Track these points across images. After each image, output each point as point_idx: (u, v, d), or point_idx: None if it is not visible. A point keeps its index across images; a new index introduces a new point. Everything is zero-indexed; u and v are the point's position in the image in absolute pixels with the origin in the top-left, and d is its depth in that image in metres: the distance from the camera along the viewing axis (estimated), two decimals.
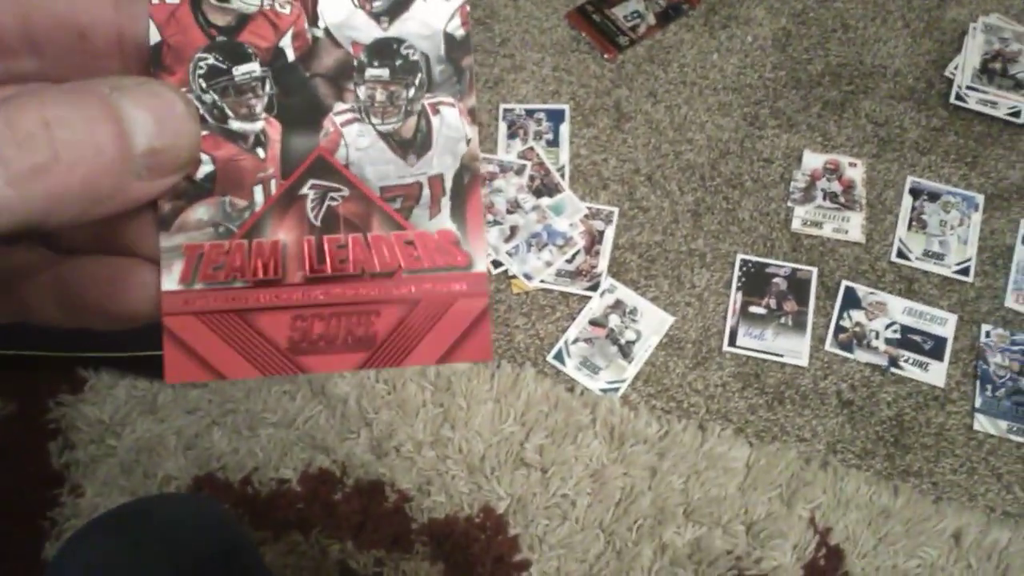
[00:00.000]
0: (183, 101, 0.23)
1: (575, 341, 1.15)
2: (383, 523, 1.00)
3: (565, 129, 1.34)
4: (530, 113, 1.35)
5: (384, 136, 0.26)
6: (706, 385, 1.13)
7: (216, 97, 0.25)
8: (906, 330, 1.15)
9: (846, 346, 1.15)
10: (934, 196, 1.25)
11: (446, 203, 0.26)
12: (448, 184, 0.26)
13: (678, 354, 1.15)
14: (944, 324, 1.15)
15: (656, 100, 1.36)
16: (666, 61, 1.38)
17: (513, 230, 1.23)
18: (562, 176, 1.29)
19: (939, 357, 1.13)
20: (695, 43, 1.39)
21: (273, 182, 0.25)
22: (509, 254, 1.22)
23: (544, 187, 1.28)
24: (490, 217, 1.25)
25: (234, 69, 0.25)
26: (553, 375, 1.13)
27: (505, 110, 1.35)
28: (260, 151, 0.26)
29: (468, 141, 0.26)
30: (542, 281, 1.20)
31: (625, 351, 1.15)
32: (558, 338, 1.16)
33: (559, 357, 1.14)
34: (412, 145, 0.26)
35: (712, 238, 1.24)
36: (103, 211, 0.22)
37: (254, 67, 0.25)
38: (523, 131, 1.34)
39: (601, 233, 1.24)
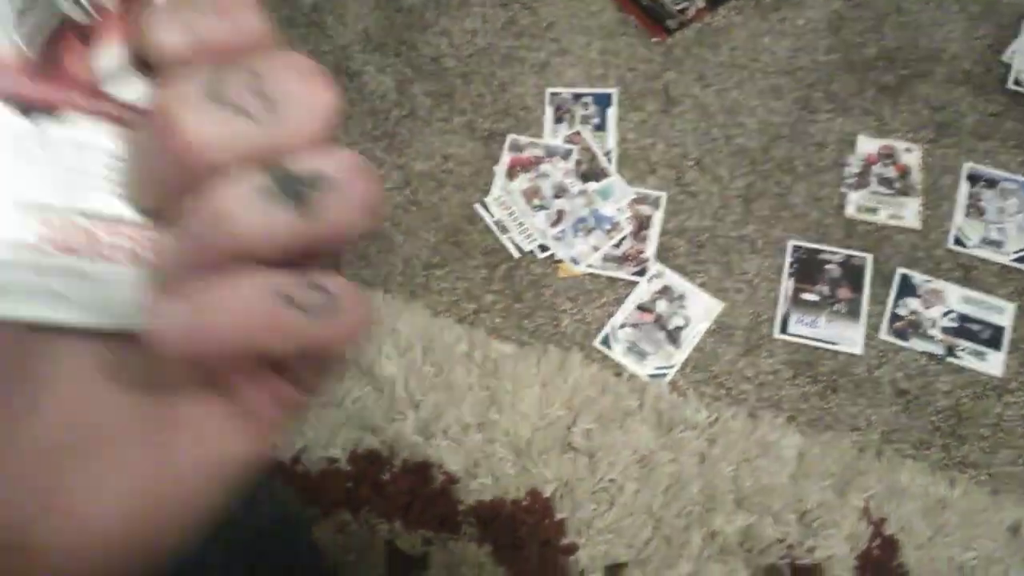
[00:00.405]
0: None
1: (622, 326, 1.15)
2: (431, 504, 1.00)
3: (612, 113, 1.33)
4: (577, 97, 1.35)
5: None
6: (756, 372, 1.12)
7: None
8: (963, 319, 1.13)
9: (901, 334, 1.13)
10: (992, 183, 1.22)
11: None
12: None
13: (727, 341, 1.14)
14: (1002, 313, 1.13)
15: (706, 84, 1.34)
16: (716, 44, 1.37)
17: (560, 214, 1.23)
18: (609, 160, 1.29)
19: (997, 346, 1.11)
20: (746, 25, 1.38)
21: None
22: (556, 238, 1.21)
23: (591, 172, 1.27)
24: (537, 201, 1.24)
25: None
26: (600, 360, 1.12)
27: (552, 94, 1.35)
28: None
29: None
30: (589, 266, 1.19)
31: (673, 337, 1.14)
32: (605, 323, 1.15)
33: (606, 342, 1.14)
34: None
35: (763, 224, 1.22)
36: None
37: None
38: (570, 115, 1.33)
39: (649, 218, 1.23)
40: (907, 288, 1.15)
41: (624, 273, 1.19)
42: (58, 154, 0.21)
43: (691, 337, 1.14)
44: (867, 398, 1.10)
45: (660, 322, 1.15)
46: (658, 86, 1.35)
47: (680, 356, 1.13)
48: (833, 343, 1.12)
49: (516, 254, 1.21)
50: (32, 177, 0.20)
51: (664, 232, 1.22)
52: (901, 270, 1.17)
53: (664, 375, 1.11)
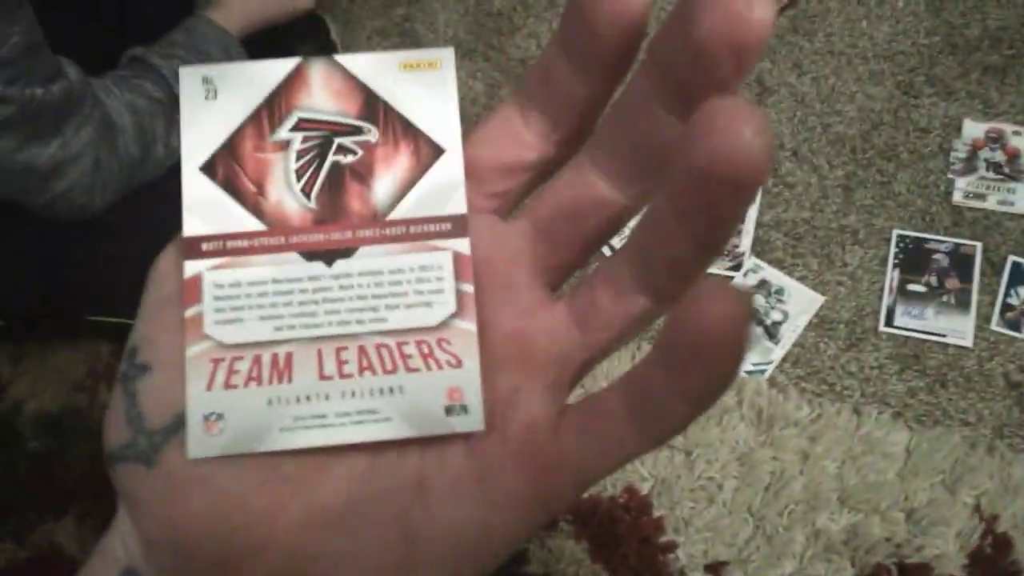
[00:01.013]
0: None
1: None
2: None
3: None
4: None
5: None
6: (861, 367, 1.10)
7: None
8: None
9: (1014, 325, 1.09)
10: None
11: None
12: None
13: (829, 335, 1.13)
14: None
15: (801, 72, 1.32)
16: (811, 31, 1.35)
17: None
18: None
19: None
20: (842, 11, 1.35)
21: None
22: None
23: None
24: None
25: None
26: None
27: None
28: None
29: None
30: None
31: (771, 332, 1.13)
32: None
33: None
34: None
35: (865, 213, 1.20)
36: None
37: None
38: None
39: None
40: (1019, 276, 1.12)
41: (719, 268, 1.18)
42: (353, 286, 0.24)
43: (791, 332, 1.13)
44: (978, 392, 1.06)
45: (757, 318, 1.14)
46: (752, 76, 1.34)
47: (779, 352, 1.12)
48: (942, 335, 1.10)
49: (607, 252, 1.22)
50: (330, 313, 0.24)
51: (760, 225, 1.21)
52: (1013, 258, 1.13)
53: (763, 371, 1.11)
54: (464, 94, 1.41)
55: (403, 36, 1.47)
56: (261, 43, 1.28)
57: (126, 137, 0.97)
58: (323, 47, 1.41)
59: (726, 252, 1.19)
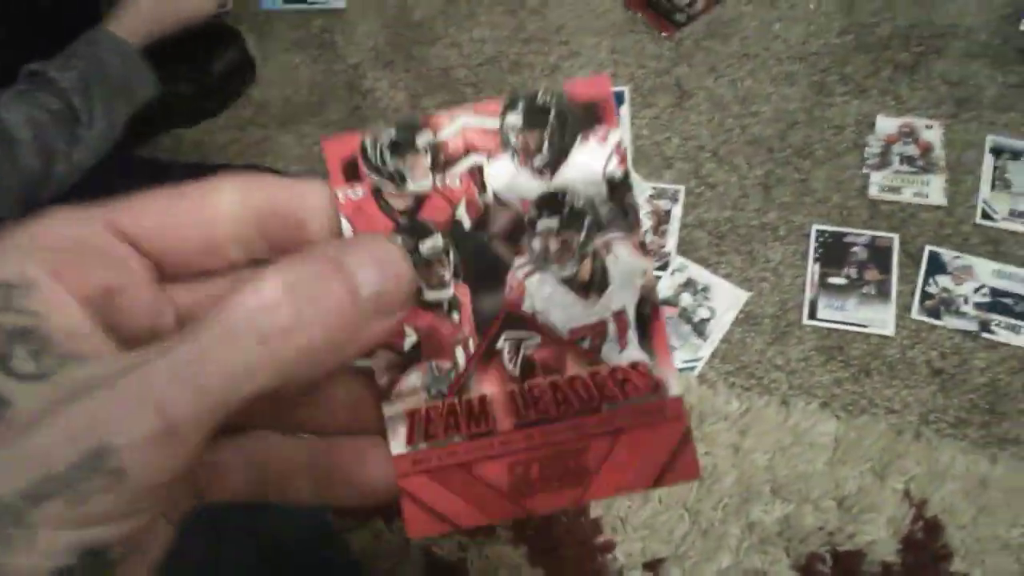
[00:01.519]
0: (396, 246, 0.26)
1: None
2: None
3: (626, 111, 1.34)
4: None
5: (564, 281, 0.28)
6: (787, 360, 1.12)
7: None
8: (996, 293, 1.12)
9: (933, 313, 1.12)
10: (1017, 154, 1.22)
11: (632, 335, 0.28)
12: (631, 316, 0.28)
13: (755, 330, 1.14)
14: None
15: (718, 75, 1.35)
16: (726, 35, 1.38)
17: None
18: None
19: None
20: (755, 14, 1.38)
21: (471, 341, 0.28)
22: None
23: None
24: None
25: (420, 245, 0.28)
26: None
27: None
28: (455, 315, 0.28)
29: (644, 272, 0.28)
30: None
31: (699, 329, 1.14)
32: None
33: None
34: (592, 286, 0.28)
35: (785, 210, 1.23)
36: (344, 358, 0.25)
37: (437, 240, 0.28)
38: None
39: (668, 212, 1.24)
40: (936, 266, 1.15)
41: None
42: None
43: (718, 328, 1.14)
44: (902, 379, 1.09)
45: (685, 315, 1.16)
46: (670, 81, 1.36)
47: (708, 348, 1.13)
48: (864, 326, 1.12)
49: None
50: None
51: (684, 225, 1.23)
52: (929, 248, 1.16)
53: (693, 368, 1.12)
54: (386, 105, 1.40)
55: (322, 48, 1.46)
56: (174, 56, 1.26)
57: (25, 151, 0.94)
58: (239, 59, 1.39)
59: (653, 252, 1.20)
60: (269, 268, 0.24)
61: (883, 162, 1.24)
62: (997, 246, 1.16)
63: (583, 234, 0.28)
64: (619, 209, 0.28)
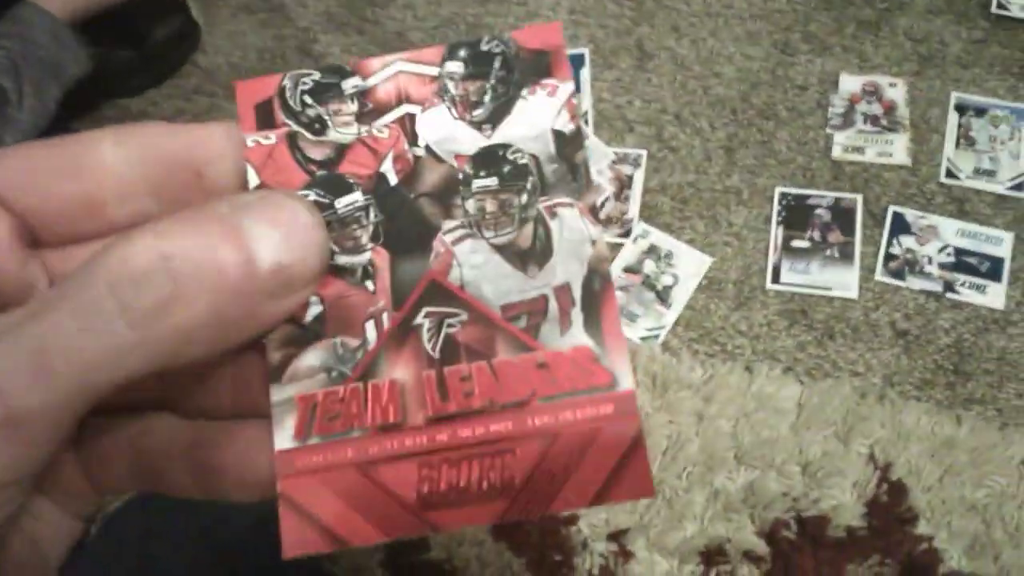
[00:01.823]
0: (307, 209, 0.22)
1: None
2: None
3: (586, 74, 1.32)
4: None
5: (499, 249, 0.24)
6: (750, 325, 1.11)
7: None
8: (960, 252, 1.11)
9: (897, 274, 1.11)
10: (981, 111, 1.20)
11: (577, 315, 0.24)
12: (577, 293, 0.24)
13: (719, 296, 1.13)
14: (1000, 244, 1.11)
15: (680, 35, 1.33)
16: None
17: None
18: (586, 123, 1.27)
19: (997, 278, 1.10)
20: None
21: (385, 315, 0.24)
22: None
23: None
24: None
25: (337, 202, 0.24)
26: None
27: None
28: (369, 284, 0.24)
29: (593, 242, 0.24)
30: None
31: (663, 296, 1.13)
32: None
33: None
34: (531, 255, 0.24)
35: (748, 173, 1.21)
36: (235, 340, 0.21)
37: (356, 197, 0.25)
38: None
39: (630, 178, 1.22)
40: (900, 226, 1.14)
41: (609, 236, 1.17)
42: None
43: (681, 295, 1.13)
44: (865, 342, 1.08)
45: (648, 282, 1.14)
46: (631, 41, 1.33)
47: (671, 316, 1.12)
48: (827, 288, 1.11)
49: None
50: None
51: (647, 191, 1.21)
52: (893, 208, 1.15)
53: (657, 336, 1.10)
54: None
55: (271, 12, 1.41)
56: (116, 25, 1.22)
57: None
58: (182, 25, 1.35)
59: (615, 219, 1.18)
60: (141, 228, 0.20)
61: (846, 122, 1.22)
62: (961, 205, 1.15)
63: (524, 196, 0.24)
64: (567, 169, 0.25)
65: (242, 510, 0.78)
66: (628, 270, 1.15)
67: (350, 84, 0.25)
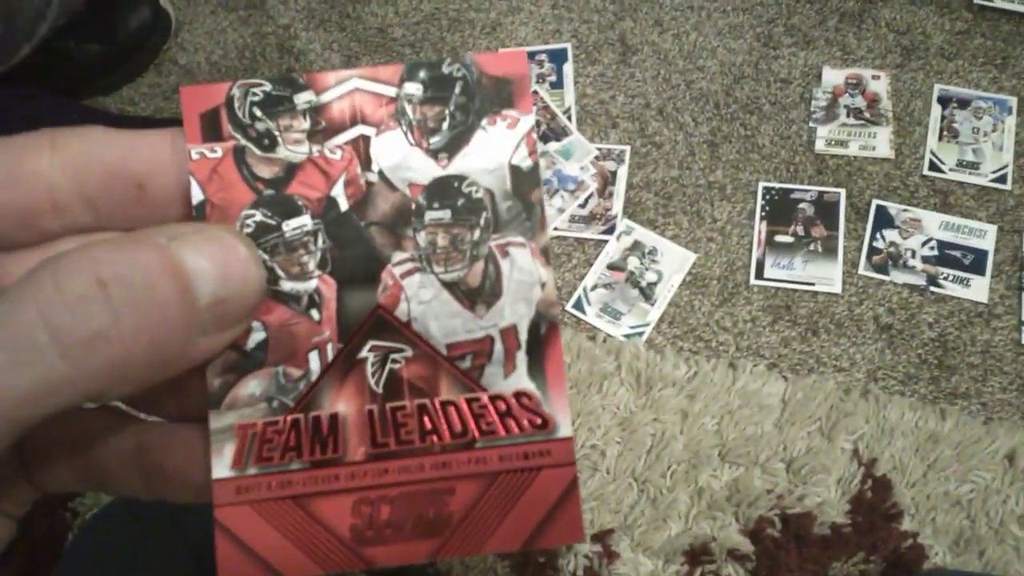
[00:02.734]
0: (244, 244, 0.22)
1: (594, 288, 1.14)
2: None
3: (569, 69, 1.32)
4: (531, 56, 1.33)
5: (448, 286, 0.24)
6: (734, 322, 1.11)
7: (266, 257, 0.24)
8: (944, 246, 1.12)
9: (881, 268, 1.12)
10: (964, 103, 1.21)
11: (522, 358, 0.24)
12: (523, 336, 0.24)
13: (703, 292, 1.13)
14: (984, 236, 1.12)
15: (663, 29, 1.33)
16: None
17: None
18: (569, 119, 1.27)
19: (980, 271, 1.10)
20: None
21: (329, 346, 0.24)
22: None
23: (551, 132, 1.26)
24: None
25: (284, 224, 0.24)
26: (573, 324, 1.11)
27: None
28: (314, 312, 0.24)
29: (543, 285, 0.24)
30: (555, 229, 1.18)
31: (647, 293, 1.13)
32: (576, 286, 1.14)
33: (578, 305, 1.13)
34: (480, 294, 0.24)
35: (731, 168, 1.21)
36: (166, 375, 0.21)
37: (305, 220, 0.24)
38: None
39: (613, 174, 1.22)
40: (884, 220, 1.14)
41: (592, 233, 1.18)
42: None
43: (665, 292, 1.13)
44: (849, 337, 1.09)
45: (632, 279, 1.14)
46: (614, 36, 1.33)
47: (655, 312, 1.12)
48: (811, 284, 1.11)
49: None
50: None
51: (630, 187, 1.21)
52: (876, 202, 1.15)
53: (640, 333, 1.11)
54: (321, 67, 1.36)
55: (251, 8, 1.41)
56: (84, 19, 1.21)
57: None
58: (152, 15, 1.34)
59: (599, 216, 1.19)
60: (75, 251, 0.19)
61: (829, 115, 1.22)
62: (945, 198, 1.16)
63: (477, 232, 0.24)
64: (522, 207, 0.24)
65: None
66: (612, 267, 1.15)
67: (303, 99, 0.24)
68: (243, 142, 0.24)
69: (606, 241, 1.17)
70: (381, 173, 0.24)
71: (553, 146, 1.24)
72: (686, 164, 1.22)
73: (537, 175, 0.25)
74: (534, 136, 0.25)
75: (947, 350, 1.07)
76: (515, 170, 0.24)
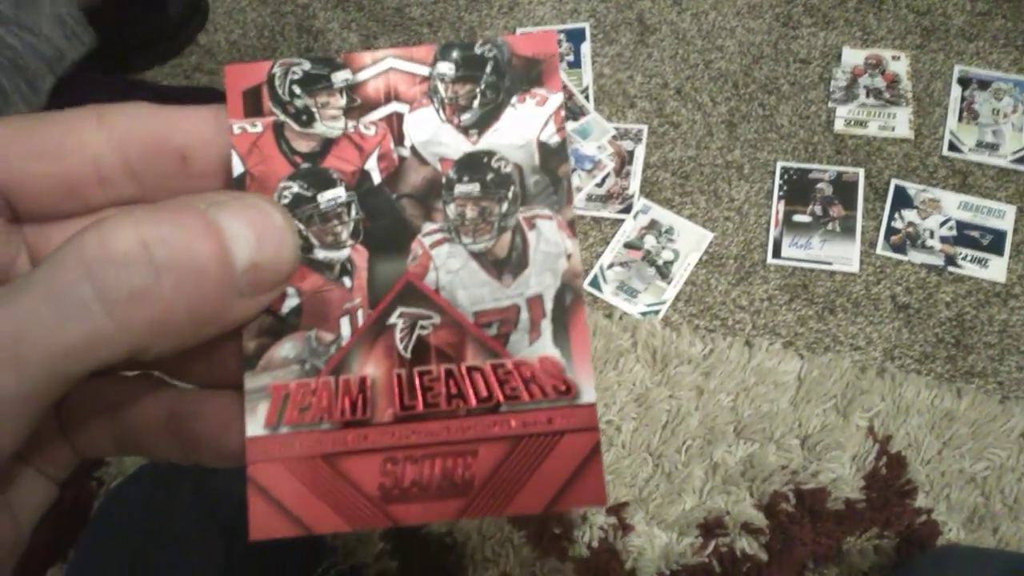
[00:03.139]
0: (281, 213, 0.23)
1: (611, 266, 1.15)
2: None
3: (587, 48, 1.32)
4: None
5: (477, 256, 0.25)
6: (751, 300, 1.12)
7: (302, 226, 0.25)
8: (962, 226, 1.12)
9: (899, 248, 1.12)
10: (984, 84, 1.21)
11: (547, 326, 0.25)
12: (548, 305, 0.25)
13: (719, 271, 1.14)
14: (1002, 217, 1.12)
15: (681, 8, 1.33)
16: None
17: None
18: (586, 98, 1.28)
19: (999, 251, 1.11)
20: None
21: (360, 312, 0.25)
22: None
23: (568, 111, 1.27)
24: None
25: (319, 196, 0.25)
26: (590, 302, 1.13)
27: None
28: (346, 280, 0.25)
29: (569, 256, 0.25)
30: None
31: (663, 272, 1.14)
32: (593, 264, 1.15)
33: (595, 284, 1.14)
34: (507, 264, 0.25)
35: (749, 148, 1.22)
36: (205, 335, 0.22)
37: (339, 192, 0.25)
38: None
39: (631, 153, 1.23)
40: (902, 200, 1.15)
41: (609, 212, 1.19)
42: None
43: (682, 270, 1.14)
44: (866, 316, 1.09)
45: (649, 258, 1.15)
46: (632, 15, 1.34)
47: (672, 291, 1.13)
48: (828, 263, 1.12)
49: None
50: None
51: (648, 166, 1.22)
52: (895, 182, 1.16)
53: (657, 311, 1.12)
54: (339, 47, 1.38)
55: None
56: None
57: None
58: (197, 1, 1.36)
59: (616, 195, 1.19)
60: (118, 213, 0.20)
61: (849, 95, 1.23)
62: (964, 178, 1.16)
63: (505, 205, 0.25)
64: (550, 181, 0.25)
65: (239, 486, 0.79)
66: (629, 246, 1.16)
67: (340, 77, 0.26)
68: (282, 118, 0.25)
69: (623, 220, 1.18)
70: (413, 148, 0.26)
71: (571, 125, 1.25)
72: (704, 144, 1.23)
73: (564, 151, 0.26)
74: (562, 114, 0.26)
75: (964, 330, 1.08)
76: (543, 146, 0.26)
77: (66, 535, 0.99)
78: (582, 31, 1.33)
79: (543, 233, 0.25)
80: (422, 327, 0.25)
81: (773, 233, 1.15)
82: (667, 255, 1.15)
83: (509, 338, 0.25)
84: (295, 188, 0.25)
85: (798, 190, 1.17)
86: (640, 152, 1.23)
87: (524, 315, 0.25)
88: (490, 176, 0.25)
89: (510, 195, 0.25)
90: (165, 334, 0.21)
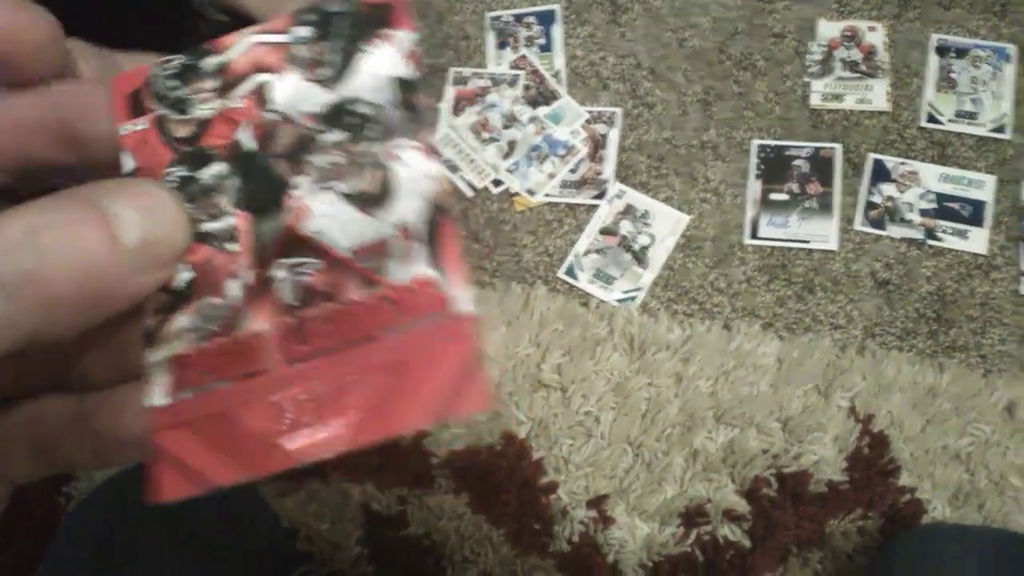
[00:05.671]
0: (165, 191, 0.25)
1: (586, 253, 1.17)
2: (402, 461, 1.04)
3: (558, 31, 1.34)
4: (519, 18, 1.35)
5: (348, 197, 0.27)
6: (729, 283, 1.14)
7: (190, 205, 0.27)
8: (942, 198, 1.14)
9: (878, 223, 1.14)
10: (962, 52, 1.22)
11: (419, 248, 0.27)
12: (420, 228, 0.27)
13: (696, 254, 1.16)
14: (982, 187, 1.14)
15: None
16: None
17: (511, 145, 1.24)
18: (559, 82, 1.29)
19: (979, 223, 1.12)
20: None
21: (246, 273, 0.27)
22: (509, 171, 1.23)
23: (540, 96, 1.28)
24: (486, 135, 1.26)
25: (199, 174, 0.27)
26: (566, 291, 1.14)
27: (492, 19, 1.35)
28: (233, 246, 0.27)
29: (433, 178, 0.27)
30: (546, 195, 1.21)
31: (640, 257, 1.16)
32: (568, 252, 1.17)
33: (571, 272, 1.16)
34: (377, 199, 0.27)
35: (725, 127, 1.23)
36: (105, 311, 0.24)
37: (219, 166, 0.27)
38: (513, 39, 1.34)
39: (604, 137, 1.25)
40: (881, 174, 1.16)
41: (583, 198, 1.20)
42: None
43: (659, 255, 1.16)
44: (846, 294, 1.11)
45: (625, 243, 1.17)
46: None
47: (649, 276, 1.15)
48: (806, 242, 1.14)
49: (469, 193, 1.23)
50: None
51: (622, 150, 1.24)
52: (873, 156, 1.17)
53: (633, 298, 1.13)
54: None
55: None
56: None
57: None
58: None
59: (590, 180, 1.21)
60: (12, 208, 0.23)
61: (825, 69, 1.24)
62: (943, 149, 1.17)
63: (369, 144, 0.27)
64: (408, 111, 0.27)
65: (206, 498, 0.81)
66: (604, 231, 1.18)
67: (209, 62, 0.28)
68: (162, 110, 0.28)
69: (597, 206, 1.20)
70: (279, 111, 0.28)
71: (543, 110, 1.27)
72: (679, 124, 1.25)
73: (419, 82, 0.28)
74: (415, 48, 0.28)
75: (945, 303, 1.09)
76: (398, 81, 0.28)
77: (39, 551, 1.01)
78: (553, 13, 1.35)
79: (407, 161, 0.27)
80: (304, 273, 0.27)
81: (750, 213, 1.16)
82: (643, 240, 1.17)
83: (388, 267, 0.27)
84: (179, 172, 0.27)
85: (775, 168, 1.18)
86: (614, 135, 1.25)
87: (398, 242, 0.27)
88: (352, 120, 0.27)
89: (372, 135, 0.27)
90: (59, 313, 0.23)
